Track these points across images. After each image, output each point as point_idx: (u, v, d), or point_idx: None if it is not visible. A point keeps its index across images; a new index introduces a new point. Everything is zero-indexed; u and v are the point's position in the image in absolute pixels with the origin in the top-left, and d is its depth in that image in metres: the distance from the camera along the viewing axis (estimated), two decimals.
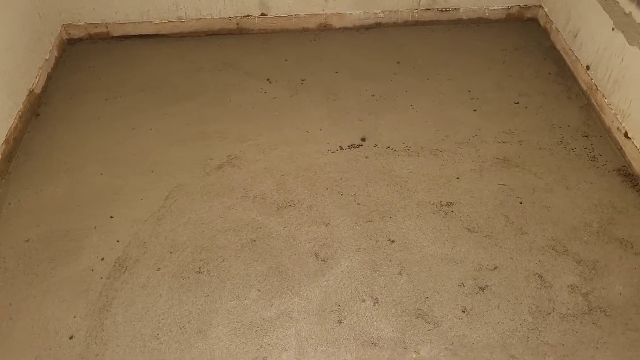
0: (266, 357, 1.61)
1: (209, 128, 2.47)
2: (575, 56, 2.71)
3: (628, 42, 2.24)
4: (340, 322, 1.70)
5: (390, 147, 2.36)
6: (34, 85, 2.57)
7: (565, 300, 1.75)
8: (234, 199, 2.12)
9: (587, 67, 2.58)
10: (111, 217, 2.04)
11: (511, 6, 3.13)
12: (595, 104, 2.51)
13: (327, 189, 2.17)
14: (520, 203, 2.08)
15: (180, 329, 1.68)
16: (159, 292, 1.79)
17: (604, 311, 1.71)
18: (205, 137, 2.42)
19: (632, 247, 1.90)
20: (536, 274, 1.83)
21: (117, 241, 1.96)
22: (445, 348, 1.63)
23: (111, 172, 2.24)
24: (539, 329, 1.67)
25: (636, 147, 2.16)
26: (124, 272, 1.85)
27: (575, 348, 1.62)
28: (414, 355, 1.61)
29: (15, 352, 1.63)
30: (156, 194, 2.15)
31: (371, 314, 1.72)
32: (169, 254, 1.91)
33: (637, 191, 2.12)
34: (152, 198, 2.13)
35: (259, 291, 1.79)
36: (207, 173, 2.24)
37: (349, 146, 2.38)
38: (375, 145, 2.38)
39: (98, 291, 1.79)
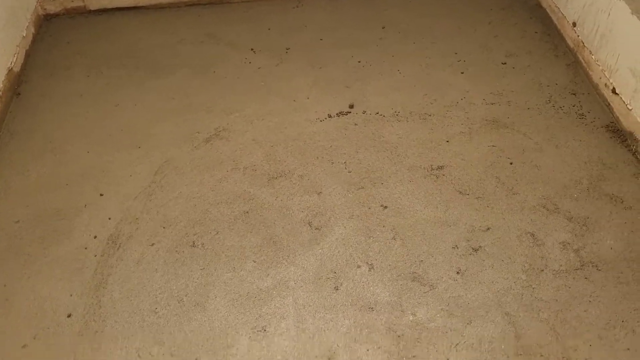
0: (265, 326, 1.62)
1: (194, 101, 2.43)
2: (562, 13, 2.69)
3: None
4: (336, 288, 1.71)
5: (379, 113, 2.34)
6: (13, 64, 2.50)
7: (558, 257, 1.77)
8: (224, 172, 2.10)
9: (574, 24, 2.56)
10: (101, 194, 2.02)
11: None
12: (582, 61, 2.50)
13: (317, 157, 2.15)
14: (511, 164, 2.09)
15: (178, 302, 1.68)
16: (154, 267, 1.78)
17: (596, 266, 1.74)
18: (191, 110, 2.39)
19: (621, 202, 1.92)
20: (528, 232, 1.85)
21: (109, 218, 1.93)
22: (442, 309, 1.65)
23: (97, 150, 2.21)
24: (533, 286, 1.69)
25: (624, 102, 2.17)
26: (118, 249, 1.83)
27: (569, 303, 1.65)
28: (410, 318, 1.63)
29: (13, 333, 1.62)
30: (145, 169, 2.12)
31: (367, 280, 1.73)
32: (162, 229, 1.90)
33: (626, 147, 2.13)
34: (141, 174, 2.10)
35: (255, 262, 1.79)
36: (195, 147, 2.21)
37: (337, 114, 2.36)
38: (364, 112, 2.36)
39: (92, 269, 1.78)
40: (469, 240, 1.83)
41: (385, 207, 1.95)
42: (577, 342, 1.55)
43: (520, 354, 1.54)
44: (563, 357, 1.53)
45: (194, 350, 1.56)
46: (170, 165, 2.13)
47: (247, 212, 1.95)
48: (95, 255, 1.82)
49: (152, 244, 1.85)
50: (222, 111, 2.37)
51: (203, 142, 2.23)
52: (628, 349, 1.53)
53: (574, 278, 1.71)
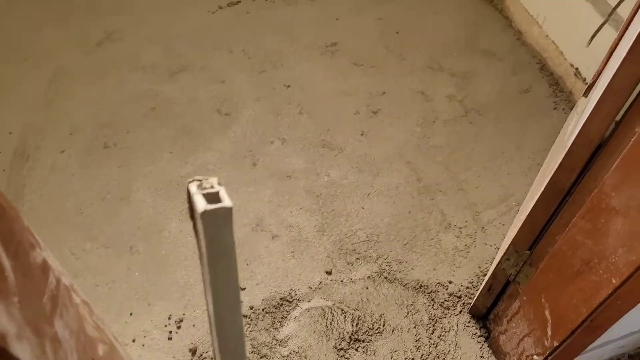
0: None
1: (75, 2, 2.24)
2: None
3: None
4: (254, 164, 1.76)
5: (268, 0, 2.30)
6: None
7: (446, 109, 1.92)
8: (123, 73, 2.00)
9: None
10: None
11: None
12: None
13: (215, 48, 2.10)
14: (397, 33, 2.17)
15: (102, 200, 1.65)
16: (70, 172, 1.71)
17: (477, 111, 1.91)
18: (74, 12, 2.20)
19: (494, 55, 2.08)
20: (419, 91, 1.97)
21: (10, 133, 1.80)
22: (352, 167, 1.75)
23: None
24: (427, 136, 1.84)
25: None
26: (27, 160, 1.74)
27: (458, 145, 1.81)
28: (325, 179, 1.73)
29: None
30: (38, 81, 1.96)
31: (281, 152, 1.79)
32: (70, 136, 1.81)
33: (494, 7, 2.27)
34: (35, 85, 1.95)
35: (172, 153, 1.78)
36: (87, 52, 2.06)
37: (227, 4, 2.28)
38: (253, 0, 2.30)
39: (5, 183, 1.68)
40: (368, 105, 1.92)
41: (289, 86, 1.98)
42: (468, 175, 1.74)
43: (423, 193, 1.70)
44: (458, 189, 1.71)
45: (127, 239, 1.57)
46: (64, 73, 1.99)
47: (154, 108, 1.90)
48: (5, 170, 1.71)
49: (63, 151, 1.76)
50: (108, 12, 2.21)
51: (95, 46, 2.08)
52: (508, 174, 1.74)
53: (460, 124, 1.87)
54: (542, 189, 0.97)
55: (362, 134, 1.84)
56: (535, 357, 1.14)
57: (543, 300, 1.04)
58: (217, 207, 0.53)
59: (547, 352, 1.08)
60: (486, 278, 1.32)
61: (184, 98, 1.92)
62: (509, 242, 1.11)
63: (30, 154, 1.74)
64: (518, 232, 1.05)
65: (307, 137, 1.82)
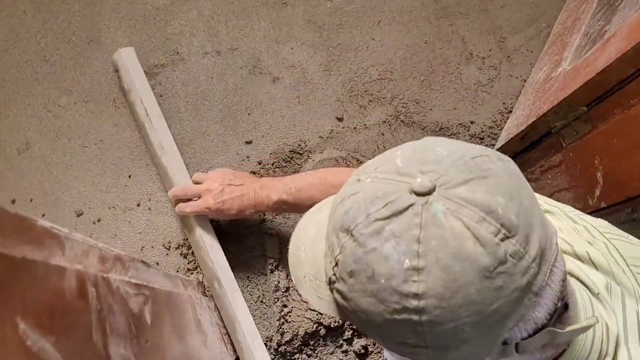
0: (176, 48, 1.40)
1: None
2: None
3: None
4: None
5: None
6: None
7: None
8: None
9: None
10: None
11: None
12: None
13: None
14: None
15: (68, 43, 1.38)
16: (21, 8, 1.40)
17: None
18: None
19: None
20: None
21: None
22: None
23: None
24: None
25: None
26: None
27: None
28: (328, 5, 1.45)
29: None
30: None
31: None
32: None
33: None
34: None
35: None
36: None
37: None
38: None
39: None
40: None
41: None
42: None
43: (441, 16, 1.46)
44: (481, 10, 1.47)
45: (107, 91, 1.34)
46: None
47: None
48: None
49: None
50: None
51: None
52: None
53: None
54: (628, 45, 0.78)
55: None
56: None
57: (597, 162, 0.94)
58: None
59: (588, 211, 1.02)
60: (516, 123, 1.20)
61: None
62: (562, 97, 0.95)
63: None
64: (580, 87, 0.89)
65: None
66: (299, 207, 1.00)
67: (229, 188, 1.06)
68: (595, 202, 0.99)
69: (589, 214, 1.04)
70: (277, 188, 1.02)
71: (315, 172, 1.02)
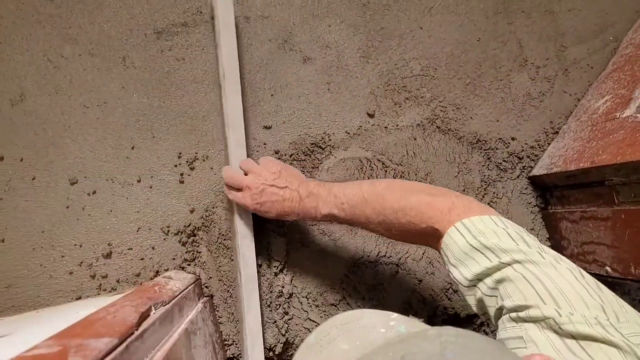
0: (200, 7, 1.23)
1: None
2: None
3: None
4: None
5: None
6: None
7: None
8: None
9: None
10: None
11: None
12: None
13: None
14: None
15: None
16: None
17: None
18: None
19: None
20: None
21: None
22: None
23: None
24: None
25: None
26: None
27: None
28: None
29: None
30: None
31: None
32: None
33: None
34: None
35: None
36: None
37: None
38: None
39: None
40: None
41: None
42: None
43: (501, 12, 1.29)
44: (546, 11, 1.30)
45: (118, 46, 1.19)
46: None
47: None
48: None
49: None
50: None
51: None
52: None
53: None
54: None
55: None
56: (608, 268, 0.99)
57: None
58: None
59: (629, 278, 0.92)
60: (564, 156, 1.08)
61: None
62: (630, 158, 0.83)
63: None
64: None
65: None
66: (351, 223, 0.91)
67: (270, 189, 0.96)
68: (636, 272, 0.90)
69: (629, 282, 0.94)
70: (326, 200, 0.91)
71: (369, 183, 0.88)
